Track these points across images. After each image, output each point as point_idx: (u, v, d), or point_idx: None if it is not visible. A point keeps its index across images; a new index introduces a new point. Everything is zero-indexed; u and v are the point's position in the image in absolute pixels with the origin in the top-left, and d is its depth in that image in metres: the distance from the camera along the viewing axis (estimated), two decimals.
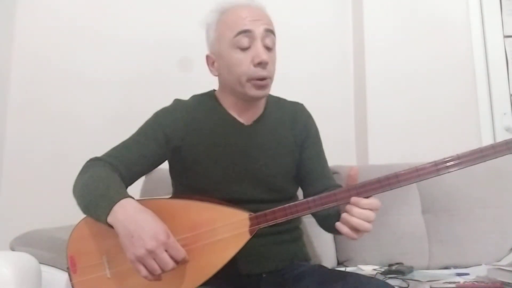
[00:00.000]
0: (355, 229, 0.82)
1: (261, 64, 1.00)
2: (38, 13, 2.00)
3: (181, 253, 0.81)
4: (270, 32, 1.03)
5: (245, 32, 1.00)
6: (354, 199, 0.81)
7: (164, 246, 0.79)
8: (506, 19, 2.16)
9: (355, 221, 0.80)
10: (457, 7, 2.15)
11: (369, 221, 0.81)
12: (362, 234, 0.83)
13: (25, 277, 1.01)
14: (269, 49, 1.03)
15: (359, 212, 0.80)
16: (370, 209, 0.81)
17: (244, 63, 1.00)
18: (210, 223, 0.87)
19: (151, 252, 0.78)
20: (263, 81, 1.01)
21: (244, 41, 1.01)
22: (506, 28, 2.15)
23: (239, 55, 1.01)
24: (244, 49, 1.01)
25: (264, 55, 0.99)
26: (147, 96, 1.96)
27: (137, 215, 0.81)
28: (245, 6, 1.04)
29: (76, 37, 2.00)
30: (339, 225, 0.83)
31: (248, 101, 1.07)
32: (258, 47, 1.00)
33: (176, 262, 0.80)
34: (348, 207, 0.82)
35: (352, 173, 0.84)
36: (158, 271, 0.78)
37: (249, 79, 1.01)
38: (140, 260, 0.78)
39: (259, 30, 1.01)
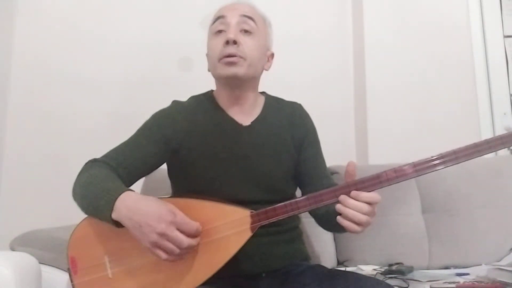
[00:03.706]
0: (352, 221, 0.82)
1: (229, 43, 1.02)
2: (38, 14, 1.99)
3: (192, 226, 0.81)
4: (247, 17, 1.06)
5: (220, 18, 1.06)
6: (354, 192, 0.82)
7: (174, 225, 0.79)
8: (506, 19, 2.16)
9: (349, 212, 0.81)
10: (457, 7, 2.15)
11: (363, 213, 0.81)
12: (364, 228, 0.83)
13: (25, 277, 1.00)
14: (247, 32, 1.05)
15: (352, 204, 0.81)
16: (369, 203, 0.81)
17: (217, 46, 1.04)
18: (211, 221, 0.87)
19: (162, 235, 0.78)
20: (230, 58, 1.02)
21: (218, 26, 1.06)
22: (506, 28, 2.15)
23: (214, 40, 1.06)
24: (218, 33, 1.06)
25: (231, 34, 1.02)
26: (147, 97, 1.96)
27: (138, 204, 0.82)
28: (229, 2, 1.09)
29: (75, 38, 2.00)
30: (339, 218, 0.84)
31: (229, 86, 1.08)
32: (229, 28, 1.04)
33: (191, 236, 0.81)
34: (342, 197, 0.82)
35: (349, 168, 0.85)
36: (176, 250, 0.79)
37: (220, 59, 1.03)
38: (156, 245, 0.79)
39: (233, 15, 1.05)
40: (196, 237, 0.82)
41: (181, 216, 0.81)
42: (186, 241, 0.80)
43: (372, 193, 0.82)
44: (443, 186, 1.63)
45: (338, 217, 0.84)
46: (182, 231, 0.80)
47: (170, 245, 0.79)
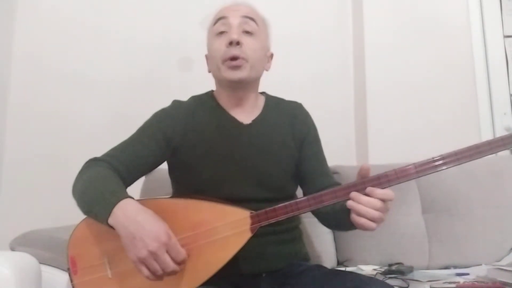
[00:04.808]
0: (365, 217, 0.81)
1: (232, 44, 1.02)
2: (38, 14, 2.00)
3: (181, 254, 0.81)
4: (249, 18, 1.06)
5: (221, 18, 1.06)
6: (369, 189, 0.82)
7: (165, 247, 0.79)
8: (506, 19, 2.16)
9: (361, 208, 0.81)
10: (457, 8, 2.15)
11: (375, 209, 0.81)
12: (379, 224, 0.82)
13: (25, 277, 1.00)
14: (248, 33, 1.05)
15: (365, 200, 0.81)
16: (383, 199, 0.81)
17: (220, 47, 1.04)
18: (210, 222, 0.87)
19: (152, 254, 0.78)
20: (235, 61, 1.02)
21: (220, 27, 1.05)
22: (506, 28, 2.15)
23: (216, 41, 1.06)
24: (220, 34, 1.05)
25: (234, 35, 1.02)
26: (147, 96, 1.96)
27: (137, 216, 0.81)
28: (230, 3, 1.09)
29: (75, 38, 2.00)
30: (354, 216, 0.83)
31: (232, 88, 1.08)
32: (232, 29, 1.04)
33: (177, 263, 0.81)
34: (354, 194, 0.82)
35: (362, 173, 0.85)
36: (160, 271, 0.79)
37: (223, 61, 1.03)
38: (142, 261, 0.79)
39: (234, 15, 1.05)
40: (180, 265, 0.82)
41: (174, 241, 0.81)
42: (172, 266, 0.79)
43: (386, 189, 0.82)
44: (443, 186, 1.62)
45: (353, 215, 0.84)
46: (170, 255, 0.80)
47: (156, 266, 0.79)
